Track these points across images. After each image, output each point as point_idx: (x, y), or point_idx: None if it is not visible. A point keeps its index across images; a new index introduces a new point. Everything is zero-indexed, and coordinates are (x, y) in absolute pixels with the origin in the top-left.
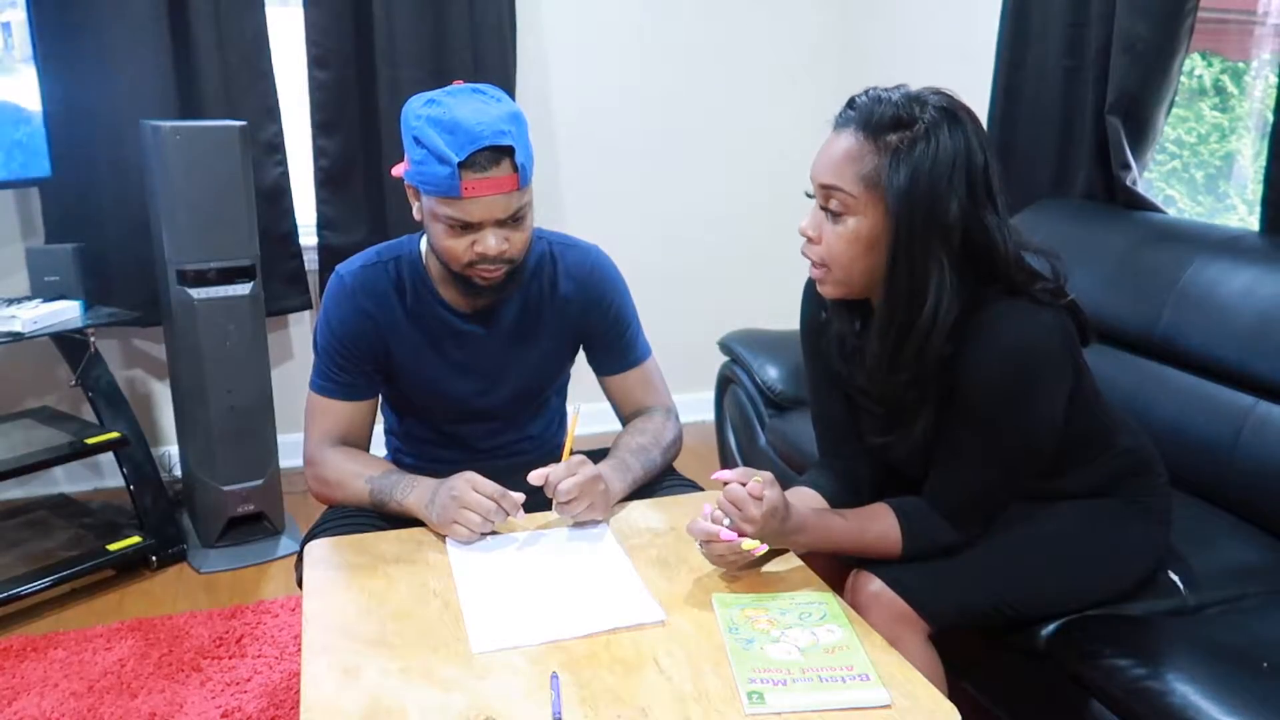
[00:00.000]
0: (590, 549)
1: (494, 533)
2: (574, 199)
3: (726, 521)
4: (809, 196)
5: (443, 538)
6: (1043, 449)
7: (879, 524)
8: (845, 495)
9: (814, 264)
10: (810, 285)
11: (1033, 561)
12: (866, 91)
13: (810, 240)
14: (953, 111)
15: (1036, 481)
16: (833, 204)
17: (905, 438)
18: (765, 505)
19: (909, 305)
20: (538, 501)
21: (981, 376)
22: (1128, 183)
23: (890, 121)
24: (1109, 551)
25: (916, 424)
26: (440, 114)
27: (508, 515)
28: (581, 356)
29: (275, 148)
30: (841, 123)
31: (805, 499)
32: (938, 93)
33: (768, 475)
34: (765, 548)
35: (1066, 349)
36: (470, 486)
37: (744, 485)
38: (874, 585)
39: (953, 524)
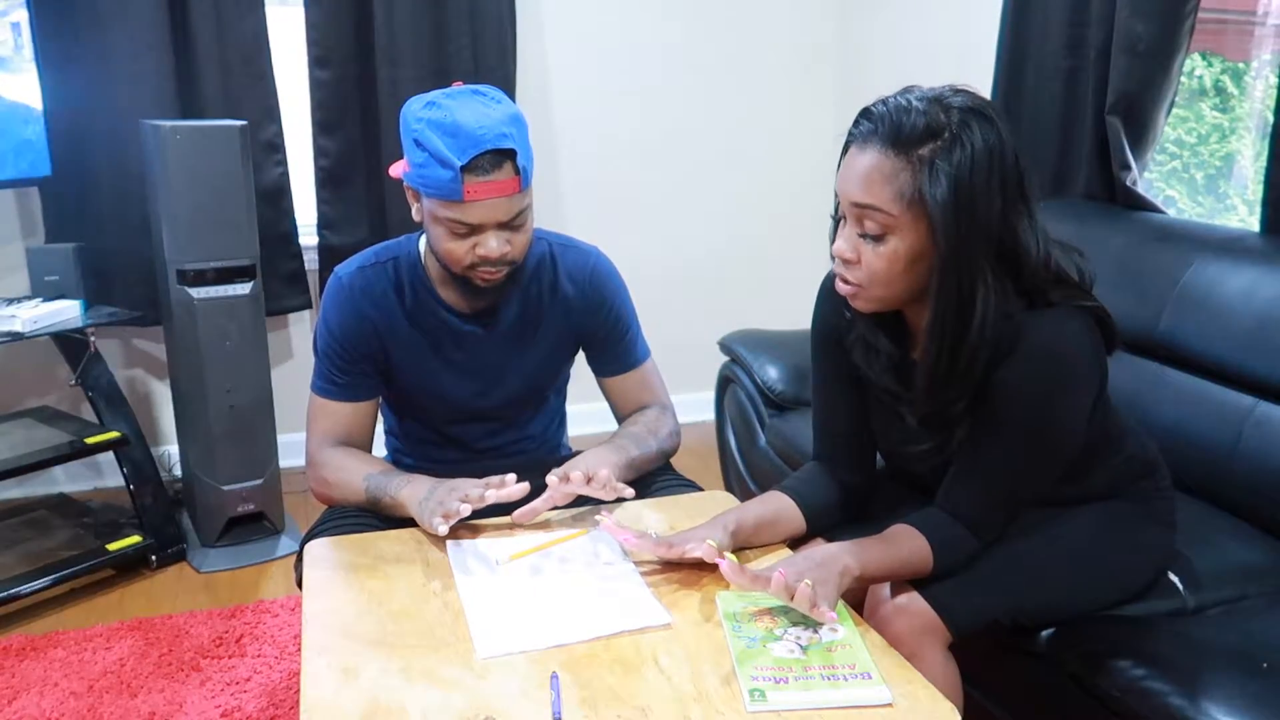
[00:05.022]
0: (593, 552)
1: (487, 535)
2: (574, 199)
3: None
4: (833, 219)
5: (444, 540)
6: (1067, 456)
7: (909, 544)
8: (827, 503)
9: (846, 282)
10: (828, 283)
11: (1054, 567)
12: (884, 101)
13: (848, 262)
14: (979, 110)
15: (1052, 486)
16: (869, 225)
17: (945, 446)
18: (830, 584)
19: (958, 320)
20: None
21: (1013, 386)
22: (1128, 183)
23: (922, 133)
24: (1125, 555)
25: (957, 431)
26: (441, 117)
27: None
28: (580, 357)
29: (275, 148)
30: (863, 137)
31: (778, 503)
32: (958, 91)
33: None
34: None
35: (1096, 356)
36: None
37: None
38: (901, 597)
39: (974, 532)
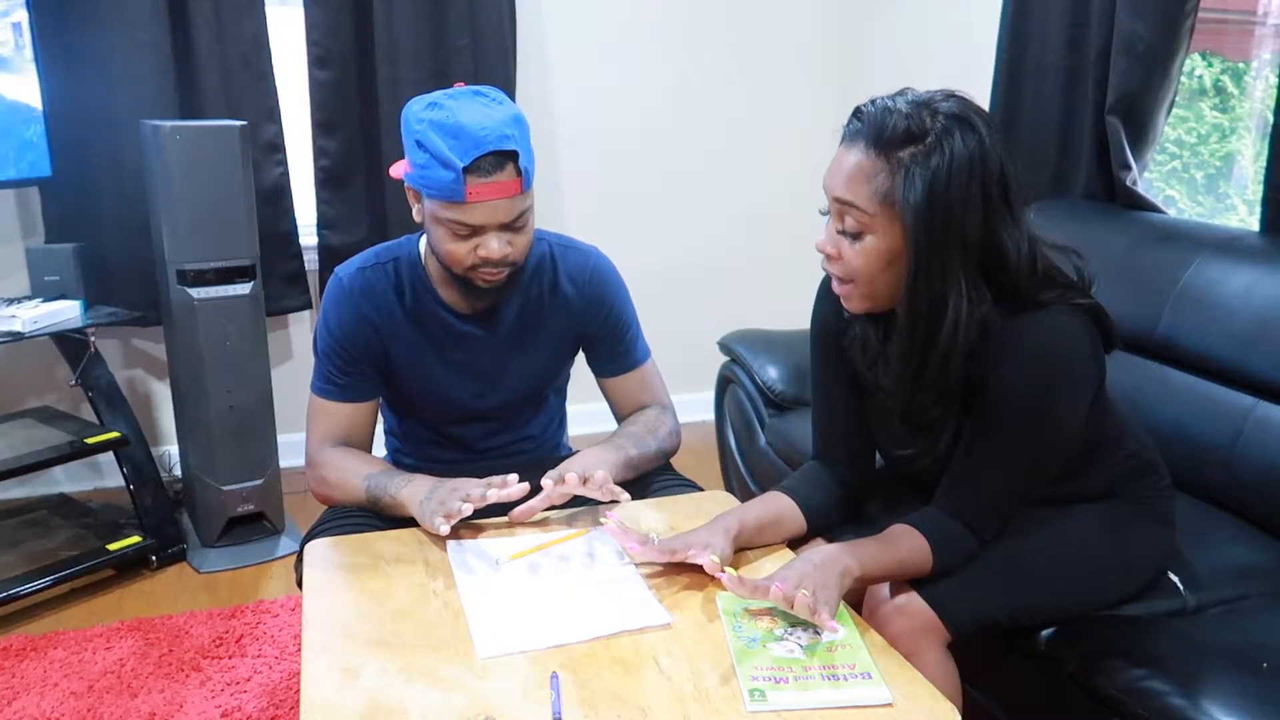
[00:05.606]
0: (593, 552)
1: (488, 535)
2: (574, 199)
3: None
4: (823, 214)
5: (444, 540)
6: (1065, 455)
7: (908, 543)
8: (826, 503)
9: (838, 280)
10: (826, 284)
11: (1053, 567)
12: (874, 101)
13: (830, 257)
14: (964, 117)
15: (1050, 486)
16: (848, 222)
17: (929, 451)
18: (831, 587)
19: (929, 323)
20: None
21: (1008, 385)
22: (1128, 183)
23: (902, 135)
24: (1124, 554)
25: (941, 438)
26: (443, 118)
27: (495, 494)
28: (580, 357)
29: (275, 148)
30: (850, 136)
31: (778, 504)
32: (950, 96)
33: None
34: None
35: (1093, 355)
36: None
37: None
38: (899, 596)
39: (973, 531)
